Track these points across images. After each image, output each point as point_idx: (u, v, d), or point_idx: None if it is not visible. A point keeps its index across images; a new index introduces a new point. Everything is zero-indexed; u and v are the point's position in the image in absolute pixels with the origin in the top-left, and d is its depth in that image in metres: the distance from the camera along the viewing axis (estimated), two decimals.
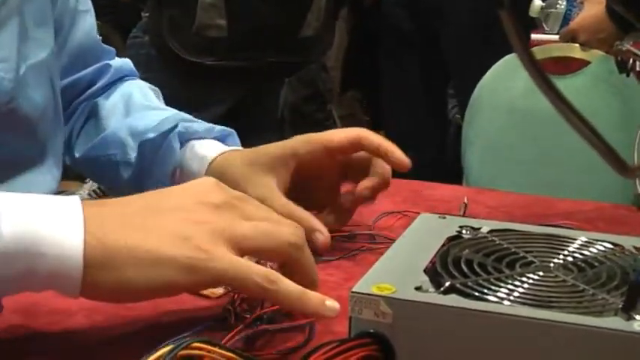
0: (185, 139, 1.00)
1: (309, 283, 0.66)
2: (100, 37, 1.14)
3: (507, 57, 1.93)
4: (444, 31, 2.57)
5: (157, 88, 1.17)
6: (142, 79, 1.18)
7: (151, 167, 1.01)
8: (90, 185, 3.02)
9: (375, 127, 3.32)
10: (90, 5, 1.11)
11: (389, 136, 3.08)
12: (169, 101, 1.12)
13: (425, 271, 0.64)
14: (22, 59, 0.94)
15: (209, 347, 0.52)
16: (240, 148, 1.01)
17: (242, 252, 0.64)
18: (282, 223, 0.68)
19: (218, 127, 1.03)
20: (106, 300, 0.64)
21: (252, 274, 0.62)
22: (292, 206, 0.87)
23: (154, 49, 2.10)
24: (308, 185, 0.93)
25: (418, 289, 0.60)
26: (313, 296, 0.64)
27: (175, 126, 1.00)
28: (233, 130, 1.05)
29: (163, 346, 0.51)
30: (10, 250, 0.59)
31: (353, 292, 0.59)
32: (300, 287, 0.64)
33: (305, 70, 2.70)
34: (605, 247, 0.70)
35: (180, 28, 2.05)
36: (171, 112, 1.06)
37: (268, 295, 0.63)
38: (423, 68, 2.69)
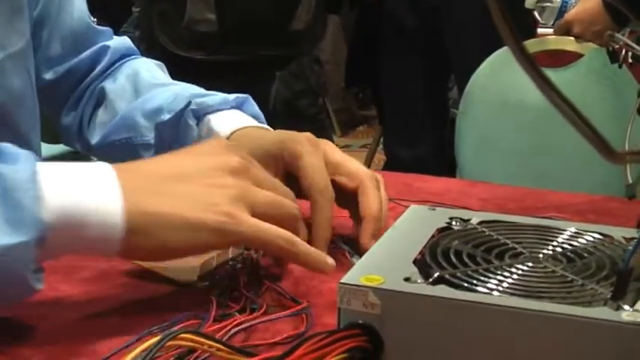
0: (200, 114, 1.00)
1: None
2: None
3: (500, 50, 1.93)
4: (444, 26, 2.56)
5: (161, 63, 1.16)
6: None
7: (171, 146, 1.00)
8: None
9: (381, 122, 3.30)
10: None
11: (389, 132, 3.10)
12: None
13: (414, 262, 0.64)
14: (0, 48, 0.94)
15: (196, 337, 0.52)
16: (254, 123, 0.99)
17: (255, 217, 0.70)
18: (287, 194, 0.76)
19: (232, 96, 1.02)
20: (142, 259, 0.73)
21: (276, 237, 0.70)
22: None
23: (145, 44, 2.10)
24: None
25: (407, 280, 0.60)
26: (325, 256, 0.74)
27: (189, 103, 1.00)
28: (248, 96, 1.04)
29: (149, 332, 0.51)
30: (56, 222, 0.64)
31: (341, 283, 0.59)
32: (314, 249, 0.74)
33: (297, 64, 2.70)
34: (594, 237, 0.70)
35: (170, 22, 2.05)
36: (182, 87, 1.06)
37: (289, 255, 0.73)
38: (423, 64, 2.68)
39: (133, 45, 1.17)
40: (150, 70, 1.11)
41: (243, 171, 0.72)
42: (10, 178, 0.64)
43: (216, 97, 1.02)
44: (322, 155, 0.87)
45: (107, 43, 1.13)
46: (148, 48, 2.11)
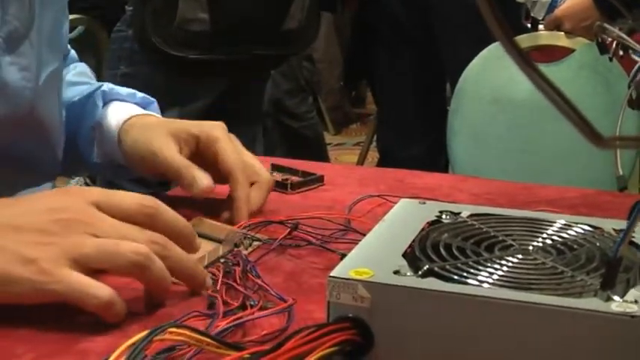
0: (108, 99, 1.04)
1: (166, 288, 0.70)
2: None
3: (491, 46, 1.93)
4: (435, 22, 2.56)
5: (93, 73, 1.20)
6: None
7: (76, 132, 1.06)
8: (77, 180, 3.02)
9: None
10: None
11: (385, 128, 3.09)
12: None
13: (404, 255, 0.63)
14: (42, 68, 0.96)
15: (184, 332, 0.52)
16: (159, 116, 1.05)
17: (88, 270, 0.66)
18: (130, 236, 0.69)
19: (140, 94, 1.07)
20: None
21: (88, 294, 0.65)
22: (178, 159, 0.92)
23: (137, 42, 2.10)
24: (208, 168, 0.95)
25: (396, 273, 0.60)
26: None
27: (100, 86, 1.05)
28: (154, 100, 1.09)
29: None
30: None
31: (330, 276, 0.59)
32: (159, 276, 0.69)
33: (286, 63, 2.70)
34: (584, 229, 0.70)
35: (162, 22, 2.04)
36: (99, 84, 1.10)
37: (100, 313, 0.66)
38: (417, 60, 2.68)
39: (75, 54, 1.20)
40: (79, 72, 1.15)
41: (78, 223, 0.68)
42: None
43: (126, 89, 1.07)
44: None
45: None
46: (141, 47, 2.10)
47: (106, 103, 1.04)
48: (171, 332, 0.52)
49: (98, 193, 0.71)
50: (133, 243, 0.68)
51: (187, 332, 0.52)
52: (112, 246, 0.67)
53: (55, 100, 1.02)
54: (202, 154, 0.95)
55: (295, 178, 1.11)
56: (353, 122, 5.32)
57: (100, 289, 0.66)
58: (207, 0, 2.04)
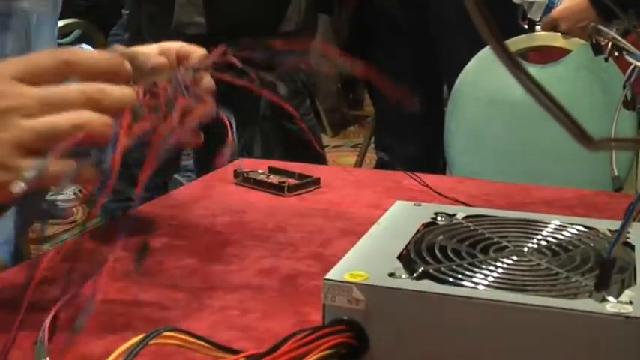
0: None
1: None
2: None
3: (488, 48, 1.93)
4: (432, 22, 2.56)
5: None
6: None
7: None
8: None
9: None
10: None
11: (382, 128, 3.06)
12: None
13: (399, 257, 0.64)
14: None
15: (180, 335, 0.52)
16: None
17: (38, 153, 0.65)
18: (62, 103, 0.67)
19: None
20: None
21: (51, 171, 0.65)
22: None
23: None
24: None
25: (391, 275, 0.60)
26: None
27: None
28: None
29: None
30: None
31: (326, 279, 0.59)
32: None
33: None
34: (579, 230, 0.70)
35: (158, 25, 2.05)
36: None
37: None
38: (414, 61, 2.68)
39: None
40: None
41: (7, 111, 0.66)
42: None
43: None
44: None
45: None
46: None
47: None
48: (167, 336, 0.52)
49: (14, 65, 0.68)
50: (70, 114, 0.66)
51: (183, 335, 0.53)
52: (52, 125, 0.66)
53: None
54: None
55: (292, 181, 1.11)
56: (351, 124, 5.31)
57: (57, 165, 0.65)
58: (203, 4, 2.05)
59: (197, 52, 0.93)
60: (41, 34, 0.98)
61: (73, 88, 0.67)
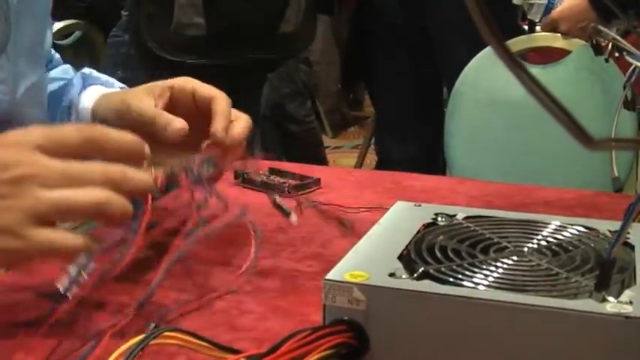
0: (87, 83, 1.04)
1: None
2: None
3: (488, 48, 1.93)
4: (430, 23, 2.56)
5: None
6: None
7: (55, 110, 1.05)
8: None
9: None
10: None
11: (383, 131, 3.06)
12: None
13: (399, 257, 0.64)
14: (20, 80, 0.95)
15: (180, 335, 0.52)
16: None
17: (54, 223, 0.66)
18: (83, 179, 0.67)
19: (120, 84, 1.08)
20: None
21: (60, 247, 0.65)
22: (152, 108, 0.91)
23: (134, 47, 2.10)
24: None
25: (392, 275, 0.60)
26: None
27: (79, 72, 1.05)
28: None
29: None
30: None
31: (326, 279, 0.59)
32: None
33: (284, 66, 2.69)
34: (579, 231, 0.70)
35: (158, 26, 2.04)
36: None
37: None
38: (413, 61, 2.68)
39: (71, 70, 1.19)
40: (63, 70, 1.14)
41: (27, 179, 0.66)
42: None
43: (107, 77, 1.07)
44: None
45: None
46: (137, 52, 2.10)
47: (85, 87, 1.03)
48: (167, 336, 0.52)
49: (38, 134, 0.68)
50: (89, 191, 0.66)
51: (184, 336, 0.53)
52: (68, 199, 0.66)
53: (37, 113, 1.01)
54: (177, 101, 0.93)
55: (292, 182, 1.11)
56: (351, 125, 5.31)
57: (70, 239, 0.65)
58: (203, 4, 2.04)
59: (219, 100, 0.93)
60: (23, 21, 0.98)
61: (94, 167, 0.68)
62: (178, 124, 0.88)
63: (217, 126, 0.88)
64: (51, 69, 1.14)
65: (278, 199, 0.89)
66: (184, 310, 0.72)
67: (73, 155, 0.67)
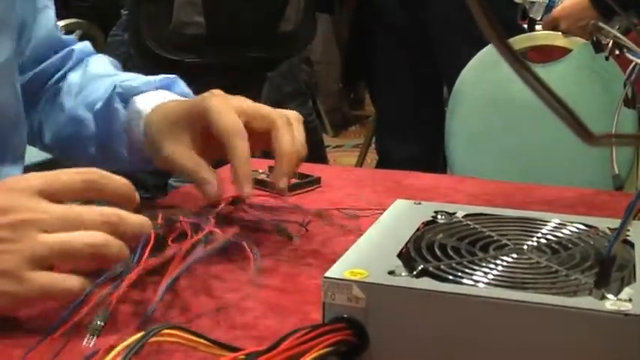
0: (126, 97, 1.02)
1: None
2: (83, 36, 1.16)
3: (488, 47, 1.93)
4: (431, 22, 2.56)
5: (115, 60, 1.19)
6: None
7: (107, 135, 1.03)
8: None
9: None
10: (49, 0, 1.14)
11: (383, 130, 3.07)
12: None
13: (399, 255, 0.64)
14: None
15: (179, 333, 0.52)
16: (178, 98, 1.02)
17: (50, 266, 0.67)
18: (82, 223, 0.68)
19: (158, 77, 1.04)
20: None
21: (60, 291, 0.66)
22: (187, 165, 0.91)
23: (133, 47, 2.10)
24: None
25: (391, 273, 0.60)
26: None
27: (114, 88, 1.03)
28: (176, 77, 1.07)
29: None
30: None
31: (325, 277, 0.59)
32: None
33: (286, 66, 2.69)
34: (578, 228, 0.70)
35: (157, 25, 2.04)
36: (121, 76, 1.08)
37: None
38: (413, 60, 2.68)
39: (93, 49, 1.19)
40: (99, 63, 1.14)
41: (26, 223, 0.67)
42: None
43: (140, 79, 1.04)
44: (230, 102, 0.89)
45: (73, 47, 1.16)
46: (137, 51, 2.10)
47: (127, 103, 1.02)
48: (166, 333, 0.52)
49: (37, 180, 0.70)
50: (86, 234, 0.67)
51: (183, 333, 0.53)
52: (67, 243, 0.67)
53: (7, 93, 1.01)
54: (207, 130, 0.91)
55: (292, 180, 1.11)
56: (351, 124, 5.32)
57: (67, 281, 0.67)
58: (202, 3, 2.04)
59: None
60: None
61: (92, 210, 0.69)
62: (211, 189, 0.89)
63: (241, 189, 0.88)
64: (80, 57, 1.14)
65: (280, 225, 0.90)
66: (183, 307, 0.72)
67: (74, 199, 0.70)
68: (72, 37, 1.19)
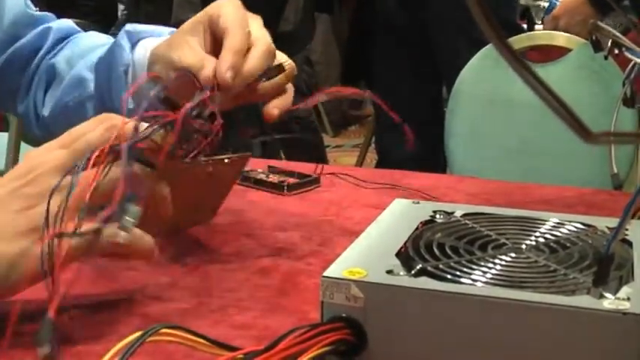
0: (135, 39, 0.98)
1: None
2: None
3: (488, 47, 1.94)
4: (431, 22, 2.57)
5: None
6: None
7: (107, 81, 1.00)
8: None
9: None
10: None
11: (383, 130, 3.07)
12: None
13: (397, 255, 0.64)
14: None
15: (177, 332, 0.52)
16: None
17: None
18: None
19: (170, 29, 1.02)
20: None
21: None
22: (204, 56, 0.88)
23: None
24: None
25: (389, 272, 0.60)
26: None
27: (122, 29, 1.00)
28: None
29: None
30: None
31: (324, 276, 0.59)
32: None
33: None
34: (577, 227, 0.70)
35: (156, 25, 2.04)
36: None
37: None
38: (413, 60, 2.68)
39: (75, 25, 1.15)
40: (92, 36, 1.10)
41: (40, 176, 0.66)
42: None
43: (153, 27, 1.02)
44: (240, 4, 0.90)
45: (49, 24, 1.11)
46: None
47: (133, 45, 0.98)
48: (165, 333, 0.52)
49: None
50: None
51: (181, 333, 0.53)
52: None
53: None
54: (215, 36, 0.91)
55: (291, 180, 1.11)
56: (351, 124, 5.32)
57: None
58: (201, 2, 2.04)
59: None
60: None
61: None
62: (228, 75, 0.85)
63: (221, 66, 0.84)
64: (43, 33, 1.11)
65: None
66: (182, 307, 0.72)
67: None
68: (50, 14, 1.13)
